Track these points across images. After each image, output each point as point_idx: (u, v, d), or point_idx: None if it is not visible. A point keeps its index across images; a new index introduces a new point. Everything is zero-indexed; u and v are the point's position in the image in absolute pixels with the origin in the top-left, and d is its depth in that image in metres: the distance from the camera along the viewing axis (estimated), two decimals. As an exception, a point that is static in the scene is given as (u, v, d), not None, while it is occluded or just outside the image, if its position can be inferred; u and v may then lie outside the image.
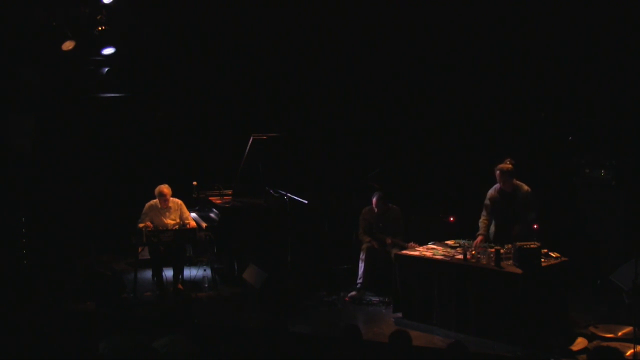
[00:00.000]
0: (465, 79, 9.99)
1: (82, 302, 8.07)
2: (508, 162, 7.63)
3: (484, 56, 9.78)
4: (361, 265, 8.41)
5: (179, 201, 8.84)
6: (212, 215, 9.30)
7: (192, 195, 9.56)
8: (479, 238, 7.64)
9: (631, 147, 8.81)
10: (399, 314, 7.72)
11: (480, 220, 7.81)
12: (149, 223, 8.52)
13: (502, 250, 7.09)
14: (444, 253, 7.54)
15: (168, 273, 8.74)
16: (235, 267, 9.00)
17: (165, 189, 8.67)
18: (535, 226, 7.55)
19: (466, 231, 8.03)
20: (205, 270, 9.26)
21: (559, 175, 9.30)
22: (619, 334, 6.82)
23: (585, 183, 9.01)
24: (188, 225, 8.66)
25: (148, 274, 8.98)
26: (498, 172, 7.60)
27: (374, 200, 8.51)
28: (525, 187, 7.63)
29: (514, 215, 7.62)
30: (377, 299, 8.34)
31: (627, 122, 8.86)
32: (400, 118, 10.49)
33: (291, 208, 8.69)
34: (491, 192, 7.79)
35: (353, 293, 8.41)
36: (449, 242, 7.89)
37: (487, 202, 7.80)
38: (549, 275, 7.02)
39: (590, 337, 6.83)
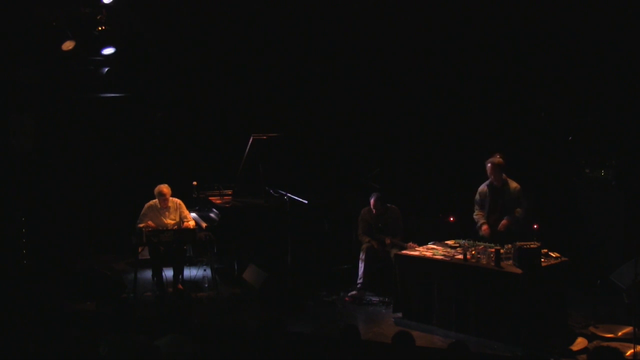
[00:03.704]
0: (465, 79, 9.99)
1: (82, 302, 8.08)
2: (498, 157, 7.88)
3: (484, 56, 9.77)
4: (361, 265, 8.42)
5: (178, 201, 8.84)
6: (212, 215, 9.30)
7: (192, 195, 9.56)
8: (485, 227, 7.85)
9: (631, 147, 8.81)
10: (399, 314, 7.72)
11: (475, 214, 8.04)
12: (150, 223, 8.52)
13: (502, 250, 7.10)
14: (444, 253, 7.54)
15: (168, 273, 8.74)
16: (235, 267, 9.01)
17: (165, 188, 8.67)
18: (535, 226, 7.56)
19: (466, 231, 8.04)
20: (205, 270, 9.26)
21: (559, 175, 9.30)
22: (619, 334, 6.83)
23: (585, 183, 9.01)
24: (188, 225, 8.66)
25: (148, 274, 8.98)
26: (489, 165, 7.84)
27: (372, 201, 8.52)
28: (515, 184, 7.85)
29: (503, 209, 7.82)
30: (377, 299, 8.34)
31: (627, 122, 8.86)
32: (400, 118, 10.49)
33: (291, 208, 8.69)
34: (481, 187, 8.03)
35: (353, 293, 8.41)
36: (449, 242, 7.89)
37: (477, 197, 8.05)
38: (549, 275, 7.02)
39: (590, 337, 6.83)
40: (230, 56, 10.70)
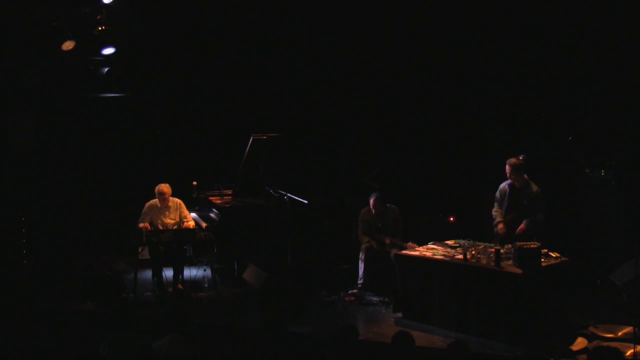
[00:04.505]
0: (465, 79, 9.99)
1: (82, 302, 8.07)
2: (520, 157, 7.79)
3: (484, 57, 9.78)
4: (361, 266, 8.42)
5: (179, 200, 8.85)
6: (212, 215, 9.30)
7: (192, 195, 9.56)
8: (501, 225, 7.77)
9: (631, 147, 8.81)
10: (399, 314, 7.71)
11: (495, 209, 7.94)
12: (147, 224, 8.52)
13: (502, 250, 7.10)
14: (444, 253, 7.54)
15: (168, 273, 8.74)
16: (235, 267, 9.00)
17: (165, 187, 8.68)
18: None
19: (466, 231, 8.03)
20: (205, 270, 9.26)
21: (559, 175, 9.30)
22: (619, 334, 6.83)
23: (585, 183, 9.01)
24: (188, 225, 8.66)
25: (148, 274, 8.98)
26: (507, 166, 7.71)
27: (372, 201, 8.51)
28: (535, 187, 7.72)
29: (522, 211, 7.70)
30: (377, 299, 8.34)
31: (627, 122, 8.86)
32: (400, 118, 10.49)
33: (291, 208, 8.69)
34: (503, 185, 7.91)
35: (353, 292, 8.41)
36: (449, 242, 7.88)
37: (497, 194, 7.93)
38: (549, 275, 7.02)
39: (590, 337, 6.83)
40: (230, 56, 10.69)
